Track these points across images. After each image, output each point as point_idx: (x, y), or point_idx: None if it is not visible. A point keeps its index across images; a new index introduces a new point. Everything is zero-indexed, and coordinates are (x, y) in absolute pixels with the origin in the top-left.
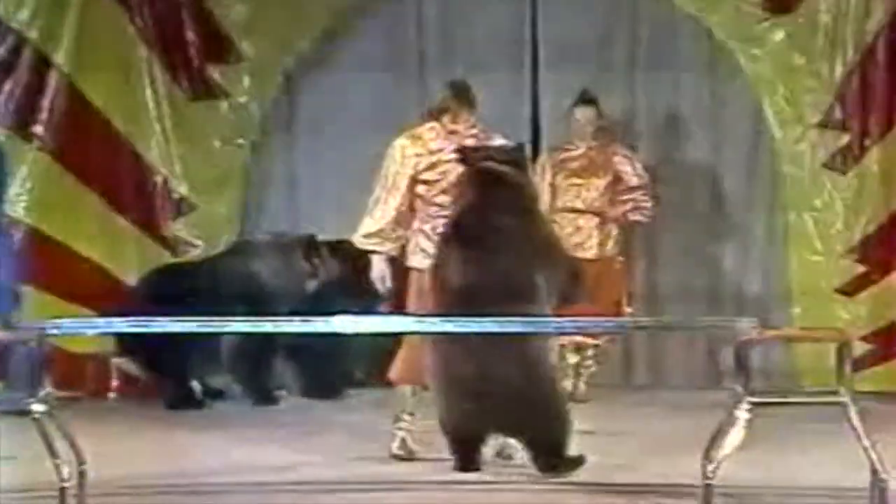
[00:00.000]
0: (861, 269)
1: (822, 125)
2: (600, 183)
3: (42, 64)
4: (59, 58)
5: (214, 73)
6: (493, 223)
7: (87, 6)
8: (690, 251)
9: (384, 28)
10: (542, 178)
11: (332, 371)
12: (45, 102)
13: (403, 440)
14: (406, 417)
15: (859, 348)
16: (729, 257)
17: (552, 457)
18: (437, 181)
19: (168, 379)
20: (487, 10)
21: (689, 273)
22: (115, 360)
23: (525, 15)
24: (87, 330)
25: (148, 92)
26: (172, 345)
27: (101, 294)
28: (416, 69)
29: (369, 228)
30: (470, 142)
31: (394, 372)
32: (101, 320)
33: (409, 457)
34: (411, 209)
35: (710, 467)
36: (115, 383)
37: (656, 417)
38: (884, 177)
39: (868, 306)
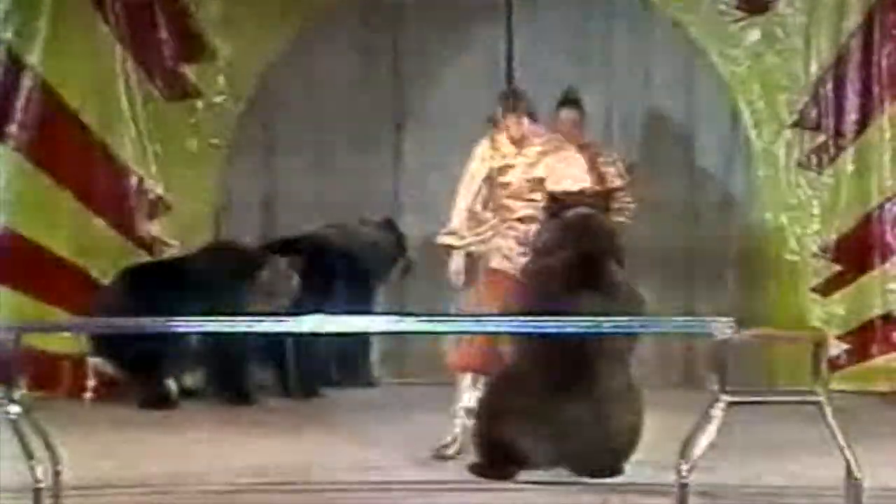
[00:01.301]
0: (837, 268)
1: (798, 125)
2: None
3: (16, 64)
4: (33, 58)
5: (189, 72)
6: (608, 274)
7: (60, 6)
8: (665, 250)
9: (360, 26)
10: None
11: (308, 370)
12: (19, 103)
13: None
14: (461, 414)
15: (835, 348)
16: (705, 257)
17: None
18: (508, 184)
19: (142, 378)
20: (462, 7)
21: (665, 272)
22: (91, 360)
23: (500, 14)
24: (66, 330)
25: (122, 91)
26: (147, 344)
27: (77, 294)
28: (391, 67)
29: (449, 226)
30: (537, 147)
31: (456, 357)
32: (79, 320)
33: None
34: (489, 209)
35: (685, 466)
36: (90, 383)
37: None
38: (859, 176)
39: (844, 306)
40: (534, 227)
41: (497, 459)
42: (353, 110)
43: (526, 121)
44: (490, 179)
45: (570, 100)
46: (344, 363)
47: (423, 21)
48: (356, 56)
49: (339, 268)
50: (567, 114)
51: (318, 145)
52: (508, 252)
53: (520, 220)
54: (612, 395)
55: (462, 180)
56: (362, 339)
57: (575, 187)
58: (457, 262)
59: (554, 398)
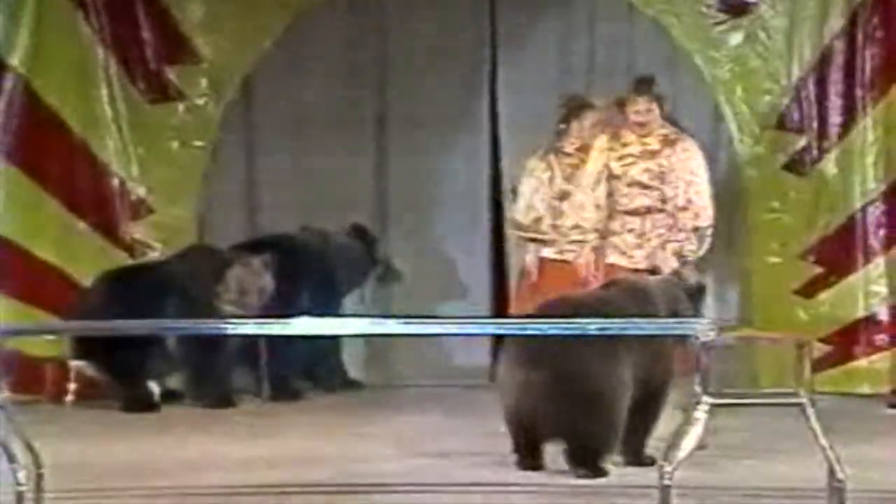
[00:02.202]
0: (819, 270)
1: (780, 127)
2: None
3: None
4: (15, 59)
5: (171, 74)
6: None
7: (42, 7)
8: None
9: (344, 28)
10: None
11: (289, 373)
12: (1, 105)
13: None
14: None
15: (818, 350)
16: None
17: (587, 463)
18: (625, 174)
19: (124, 381)
20: (445, 7)
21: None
22: (73, 364)
23: (484, 13)
24: (49, 333)
25: (104, 93)
26: (129, 347)
27: (59, 297)
28: (375, 68)
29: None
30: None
31: None
32: (61, 323)
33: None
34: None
35: (667, 468)
36: (72, 386)
37: None
38: (841, 179)
39: (827, 308)
40: (650, 221)
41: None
42: (337, 111)
43: (655, 107)
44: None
45: (646, 84)
46: (322, 366)
47: (408, 23)
48: (340, 57)
49: (309, 270)
50: (644, 102)
51: (301, 147)
52: (625, 247)
53: (635, 211)
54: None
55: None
56: (338, 342)
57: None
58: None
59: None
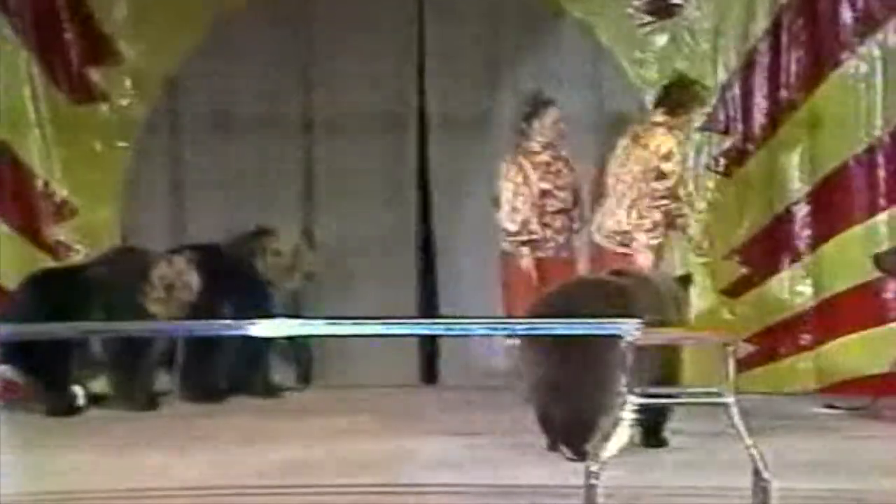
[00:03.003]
0: (745, 270)
1: (706, 128)
2: None
3: None
4: None
5: (95, 75)
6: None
7: None
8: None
9: (269, 29)
10: None
11: (213, 376)
12: None
13: None
14: None
15: (743, 350)
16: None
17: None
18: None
19: (48, 385)
20: (372, 7)
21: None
22: None
23: (412, 17)
24: None
25: (27, 94)
26: (52, 351)
27: None
28: (301, 69)
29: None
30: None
31: None
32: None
33: None
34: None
35: (594, 467)
36: None
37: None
38: (767, 179)
39: (752, 308)
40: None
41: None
42: (263, 112)
43: None
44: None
45: (551, 100)
46: (245, 370)
47: (334, 24)
48: (265, 58)
49: (235, 274)
50: (556, 114)
51: (226, 148)
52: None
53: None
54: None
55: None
56: (264, 346)
57: None
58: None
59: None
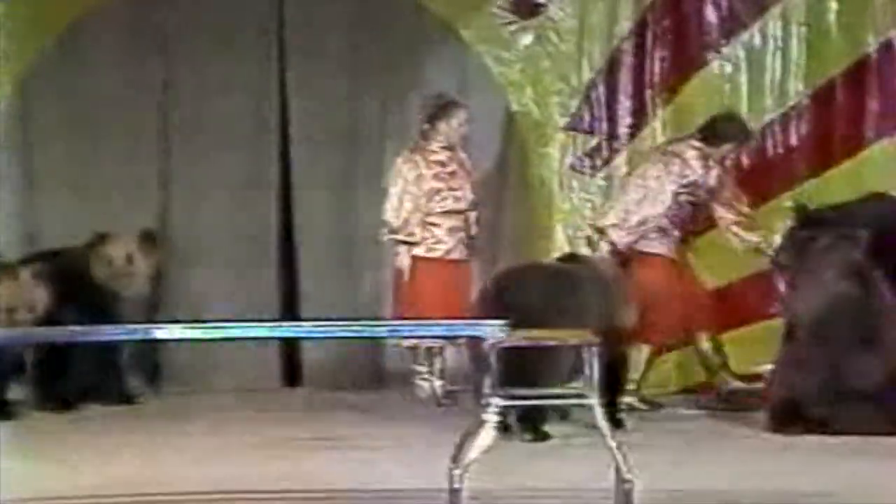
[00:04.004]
0: None
1: (570, 128)
2: None
3: None
4: None
5: None
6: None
7: None
8: None
9: (127, 29)
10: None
11: (64, 384)
12: None
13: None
14: None
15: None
16: (481, 259)
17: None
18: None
19: None
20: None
21: None
22: None
23: (273, 16)
24: None
25: None
26: None
27: None
28: (159, 73)
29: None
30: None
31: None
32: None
33: None
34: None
35: (457, 472)
36: None
37: (408, 418)
38: None
39: None
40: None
41: None
42: (120, 117)
43: None
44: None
45: (459, 102)
46: (100, 377)
47: (193, 23)
48: (122, 59)
49: (76, 283)
50: (463, 116)
51: (81, 150)
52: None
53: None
54: None
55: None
56: (116, 354)
57: None
58: None
59: None
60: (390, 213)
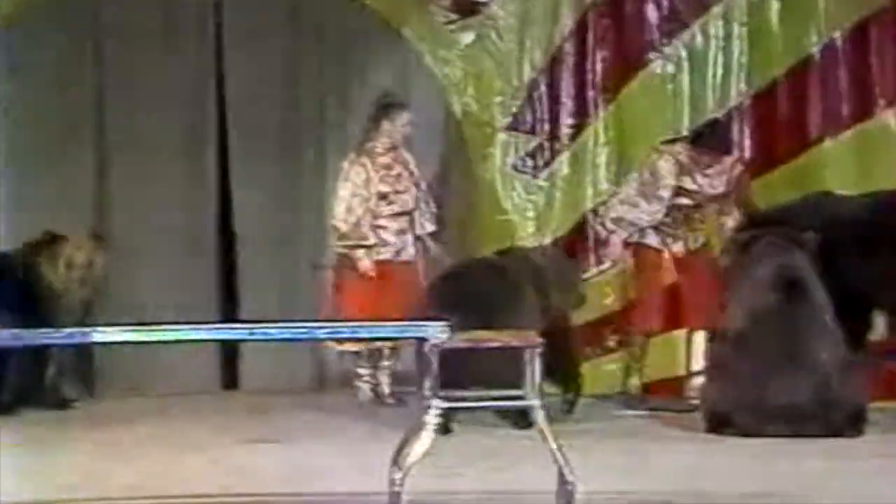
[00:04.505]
0: None
1: (512, 128)
2: None
3: None
4: None
5: None
6: None
7: None
8: None
9: (57, 38)
10: None
11: None
12: None
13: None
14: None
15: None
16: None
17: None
18: None
19: None
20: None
21: None
22: None
23: (208, 17)
24: None
25: None
26: None
27: None
28: (91, 76)
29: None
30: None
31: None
32: None
33: None
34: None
35: (397, 474)
36: None
37: (348, 421)
38: (574, 180)
39: None
40: None
41: None
42: (52, 118)
43: None
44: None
45: (402, 103)
46: (34, 382)
47: (125, 27)
48: (54, 68)
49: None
50: (407, 117)
51: (14, 155)
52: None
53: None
54: None
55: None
56: (51, 357)
57: None
58: None
59: None
60: (340, 217)
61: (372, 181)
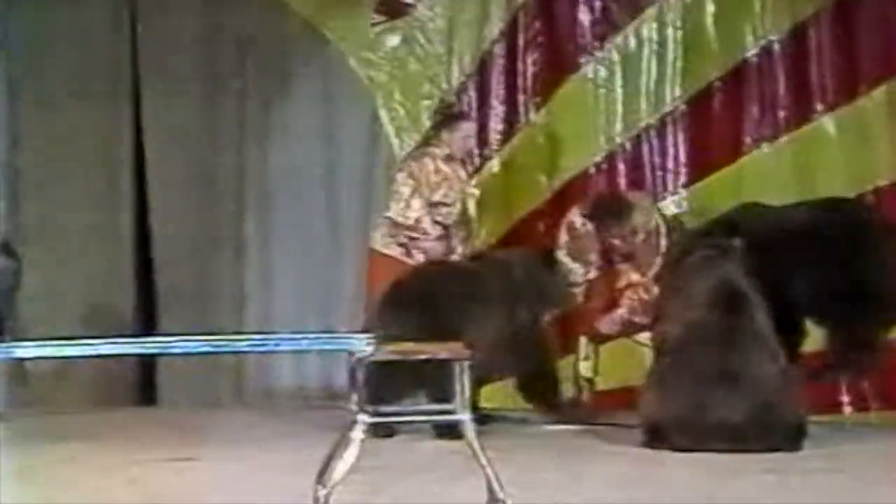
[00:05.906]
0: None
1: None
2: None
3: None
4: None
5: None
6: None
7: None
8: (306, 265)
9: None
10: None
11: None
12: None
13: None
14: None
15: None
16: (347, 270)
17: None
18: None
19: None
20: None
21: (306, 289)
22: None
23: (123, 17)
24: None
25: None
26: None
27: None
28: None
29: None
30: None
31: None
32: None
33: None
34: None
35: (322, 492)
36: None
37: (268, 438)
38: (504, 186)
39: None
40: None
41: None
42: None
43: None
44: None
45: (464, 113)
46: None
47: (42, 42)
48: None
49: None
50: (468, 129)
51: None
52: None
53: None
54: None
55: None
56: None
57: None
58: None
59: None
60: (398, 213)
61: (430, 185)
